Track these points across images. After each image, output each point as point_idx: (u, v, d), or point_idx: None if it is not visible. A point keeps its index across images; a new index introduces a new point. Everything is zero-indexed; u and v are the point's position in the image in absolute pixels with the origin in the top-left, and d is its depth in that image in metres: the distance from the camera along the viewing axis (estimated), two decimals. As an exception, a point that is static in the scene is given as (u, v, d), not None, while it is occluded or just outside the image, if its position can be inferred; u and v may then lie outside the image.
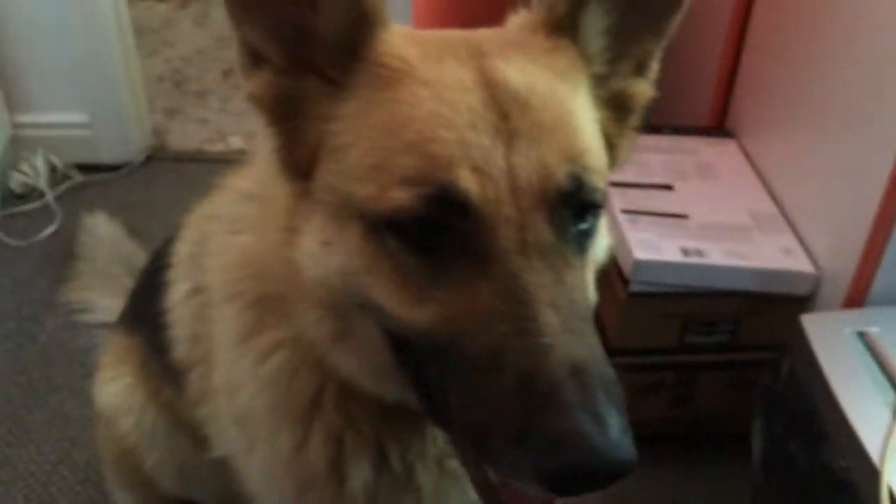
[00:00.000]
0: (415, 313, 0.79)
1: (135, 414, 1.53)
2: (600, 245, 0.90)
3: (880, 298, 1.61)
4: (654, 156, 2.04)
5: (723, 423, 1.91)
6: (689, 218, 1.85)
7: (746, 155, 2.08)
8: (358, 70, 0.82)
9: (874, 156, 1.57)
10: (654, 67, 0.97)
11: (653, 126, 2.23)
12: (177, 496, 1.68)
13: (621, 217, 1.82)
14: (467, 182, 0.75)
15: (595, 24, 0.89)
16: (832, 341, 1.49)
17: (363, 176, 0.79)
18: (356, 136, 0.81)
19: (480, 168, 0.75)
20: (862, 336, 1.50)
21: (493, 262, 0.75)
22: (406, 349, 0.85)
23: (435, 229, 0.77)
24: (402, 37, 0.85)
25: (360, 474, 1.02)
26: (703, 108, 2.28)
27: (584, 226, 0.82)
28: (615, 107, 0.92)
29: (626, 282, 1.75)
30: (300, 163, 0.86)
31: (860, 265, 1.61)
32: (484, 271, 0.76)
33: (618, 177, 1.96)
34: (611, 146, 0.91)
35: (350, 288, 0.83)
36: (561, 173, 0.78)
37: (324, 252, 0.84)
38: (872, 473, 1.25)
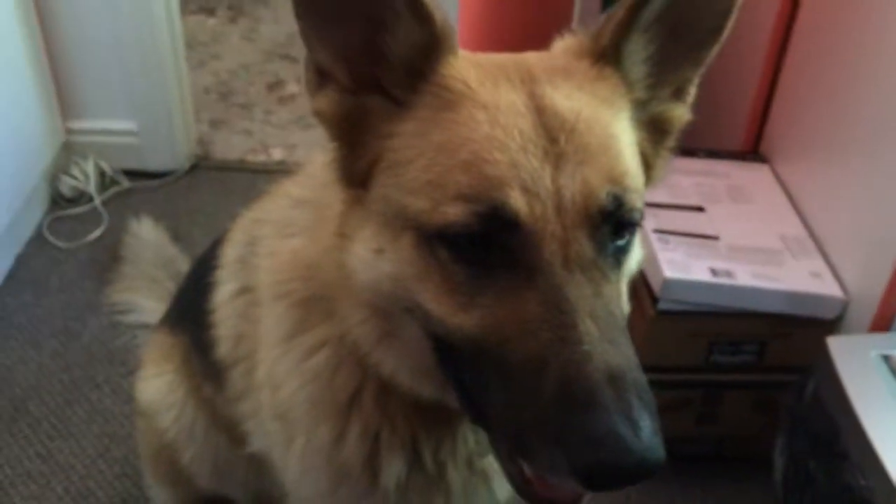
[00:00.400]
0: (461, 319, 0.84)
1: (175, 410, 1.59)
2: (634, 258, 0.95)
3: (905, 325, 1.63)
4: (688, 178, 2.07)
5: (747, 443, 1.92)
6: (720, 239, 1.88)
7: (779, 180, 2.10)
8: (421, 91, 0.88)
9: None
10: (692, 92, 1.02)
11: (687, 149, 2.27)
12: (212, 493, 1.73)
13: (653, 237, 1.85)
14: (517, 202, 0.81)
15: (637, 52, 0.94)
16: (857, 363, 1.51)
17: (419, 190, 0.85)
18: (415, 152, 0.87)
19: (529, 188, 0.81)
20: (887, 359, 1.52)
21: (538, 274, 0.81)
22: (450, 352, 0.90)
23: (484, 244, 0.82)
24: (463, 60, 0.90)
25: (393, 470, 1.06)
26: (738, 133, 2.31)
27: (621, 242, 0.88)
28: (653, 129, 0.97)
29: (655, 300, 1.79)
30: (358, 174, 0.92)
31: (887, 290, 1.63)
32: (529, 283, 0.81)
33: (651, 198, 1.98)
34: (647, 165, 0.97)
35: (400, 293, 0.89)
36: (603, 194, 0.83)
37: (376, 259, 0.89)
38: (892, 493, 1.27)
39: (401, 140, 0.88)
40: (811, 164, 2.03)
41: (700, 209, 1.97)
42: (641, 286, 1.83)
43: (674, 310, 1.78)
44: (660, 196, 2.00)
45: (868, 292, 1.70)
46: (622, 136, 0.90)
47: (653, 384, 1.95)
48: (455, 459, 1.09)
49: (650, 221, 1.90)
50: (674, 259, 1.78)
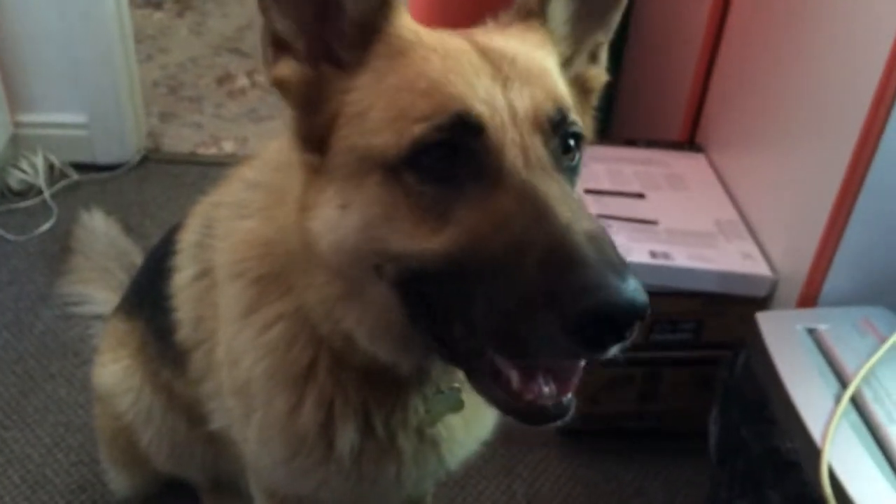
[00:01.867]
0: (435, 244, 0.88)
1: (132, 394, 1.62)
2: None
3: (830, 299, 1.73)
4: (629, 167, 2.17)
5: (686, 419, 2.02)
6: (659, 224, 1.97)
7: (714, 167, 2.21)
8: (374, 47, 0.95)
9: (826, 168, 1.70)
10: (604, 57, 1.15)
11: (629, 140, 2.37)
12: (170, 476, 1.77)
13: (594, 221, 1.94)
14: (480, 106, 0.88)
15: (560, 12, 1.06)
16: (784, 337, 1.61)
17: (383, 128, 0.91)
18: (374, 98, 0.93)
19: (486, 101, 0.89)
20: (812, 333, 1.62)
21: (504, 176, 0.87)
22: (422, 296, 0.93)
23: (450, 156, 0.88)
24: (409, 18, 0.98)
25: (346, 438, 1.12)
26: (676, 124, 2.42)
27: (571, 162, 0.95)
28: (578, 89, 1.07)
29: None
30: (317, 136, 0.97)
31: (812, 269, 1.74)
32: (497, 186, 0.87)
33: (594, 184, 2.09)
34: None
35: (367, 245, 0.92)
36: (548, 106, 0.92)
37: (341, 216, 0.94)
38: (815, 453, 1.37)
39: (358, 93, 0.94)
40: (743, 153, 2.14)
41: (641, 196, 2.07)
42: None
43: (615, 291, 1.86)
44: (603, 183, 2.09)
45: (795, 271, 1.80)
46: (555, 72, 1.01)
47: (596, 363, 2.04)
48: (405, 428, 1.15)
49: (593, 207, 1.98)
50: (616, 242, 1.86)
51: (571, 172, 0.96)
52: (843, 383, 1.50)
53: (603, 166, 2.16)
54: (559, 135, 0.93)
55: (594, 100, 1.11)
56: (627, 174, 2.14)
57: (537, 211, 0.84)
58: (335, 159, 0.96)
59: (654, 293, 1.86)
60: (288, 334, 1.10)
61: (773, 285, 1.86)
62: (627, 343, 0.84)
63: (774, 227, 1.93)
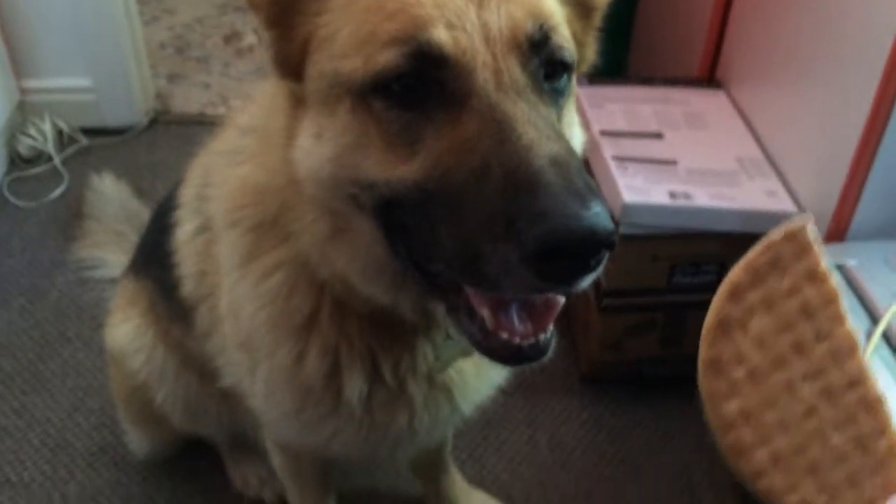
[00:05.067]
0: (404, 171, 0.85)
1: (144, 352, 1.61)
2: (576, 134, 0.98)
3: (858, 234, 1.67)
4: (646, 106, 2.09)
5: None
6: (678, 164, 1.90)
7: (735, 104, 2.13)
8: None
9: (852, 101, 1.63)
10: None
11: (646, 78, 2.29)
12: (187, 433, 1.76)
13: (612, 163, 1.88)
14: (442, 36, 0.83)
15: None
16: (811, 274, 1.55)
17: (351, 52, 0.87)
18: (344, 21, 0.89)
19: (455, 24, 0.83)
20: (840, 269, 1.56)
21: (472, 98, 0.83)
22: (400, 227, 0.90)
23: (418, 84, 0.84)
24: None
25: (354, 386, 1.09)
26: (695, 61, 2.33)
27: (557, 84, 0.90)
28: (576, 6, 1.00)
29: (616, 225, 1.81)
30: (293, 60, 0.93)
31: (840, 204, 1.67)
32: (464, 108, 0.83)
33: (609, 125, 2.02)
34: (579, 44, 0.99)
35: (341, 173, 0.90)
36: (528, 25, 0.86)
37: (315, 144, 0.91)
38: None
39: (330, 15, 0.90)
40: (765, 88, 2.05)
41: (658, 136, 2.00)
42: (602, 212, 1.85)
43: (635, 234, 1.81)
44: (619, 124, 2.02)
45: (821, 207, 1.74)
46: None
47: (618, 308, 2.00)
48: (415, 374, 1.11)
49: (609, 148, 1.92)
50: (633, 184, 1.81)
51: (557, 95, 0.90)
52: (874, 319, 1.44)
53: (619, 106, 2.08)
54: (540, 56, 0.87)
55: (597, 19, 1.04)
56: (645, 114, 2.07)
57: (500, 133, 0.80)
58: (309, 86, 0.93)
59: (675, 235, 1.84)
60: (288, 282, 1.07)
61: (799, 222, 1.80)
62: (595, 275, 0.79)
63: (799, 162, 1.86)
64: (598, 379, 2.05)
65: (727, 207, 1.79)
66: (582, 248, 0.73)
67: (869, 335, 1.41)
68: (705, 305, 1.94)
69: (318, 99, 0.91)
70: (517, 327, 0.86)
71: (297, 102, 0.95)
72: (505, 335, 0.86)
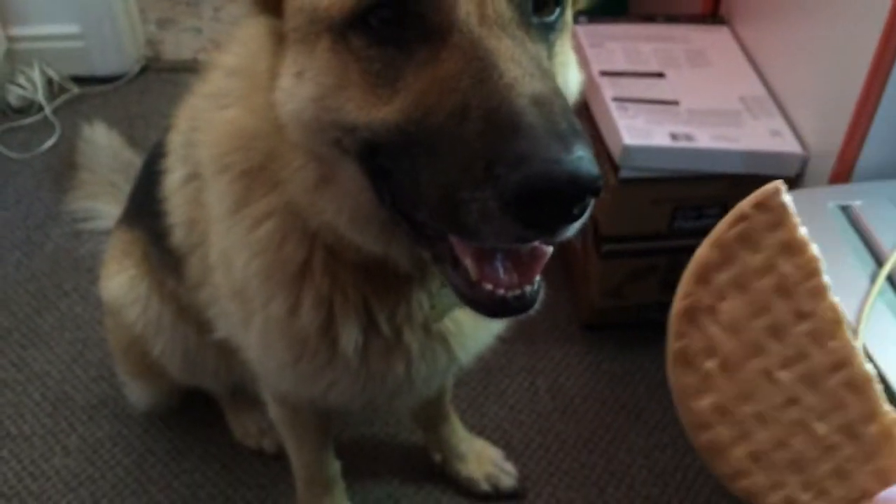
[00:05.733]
0: (386, 112, 0.81)
1: (140, 304, 1.59)
2: (571, 74, 0.93)
3: (865, 174, 1.63)
4: (647, 44, 2.03)
5: (713, 306, 1.96)
6: (680, 104, 1.85)
7: (738, 41, 2.07)
8: None
9: (858, 38, 1.57)
10: None
11: (647, 15, 2.22)
12: (185, 385, 1.75)
13: (612, 105, 1.83)
14: None
15: None
16: (816, 216, 1.52)
17: None
18: None
19: None
20: (845, 210, 1.53)
21: (453, 33, 0.78)
22: (384, 172, 0.87)
23: (397, 18, 0.80)
24: None
25: (350, 336, 1.07)
26: (697, -2, 2.26)
27: (547, 18, 0.85)
28: None
29: (616, 168, 1.78)
30: None
31: (845, 143, 1.63)
32: (445, 44, 0.78)
33: (609, 65, 1.96)
34: None
35: (323, 115, 0.86)
36: None
37: (296, 84, 0.87)
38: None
39: None
40: (770, 25, 1.99)
41: (660, 75, 1.94)
42: (603, 155, 1.81)
43: (636, 177, 1.77)
44: (619, 63, 1.96)
45: (827, 147, 1.69)
46: None
47: (618, 253, 1.97)
48: (411, 324, 1.09)
49: (609, 89, 1.87)
50: (633, 126, 1.76)
51: (547, 30, 0.85)
52: (880, 261, 1.41)
53: (619, 45, 2.02)
54: None
55: None
56: (646, 53, 2.01)
57: (481, 71, 0.75)
58: (289, 22, 0.88)
59: (677, 178, 1.81)
60: (279, 231, 1.04)
61: (804, 163, 1.76)
62: (580, 223, 0.75)
63: (804, 101, 1.81)
64: (599, 325, 2.04)
65: (730, 148, 1.75)
66: (563, 194, 0.69)
67: (873, 278, 1.39)
68: (707, 249, 1.93)
69: (297, 37, 0.87)
70: (502, 278, 0.83)
71: (279, 41, 0.91)
72: (489, 286, 0.83)
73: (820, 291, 0.58)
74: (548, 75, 0.79)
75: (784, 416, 0.57)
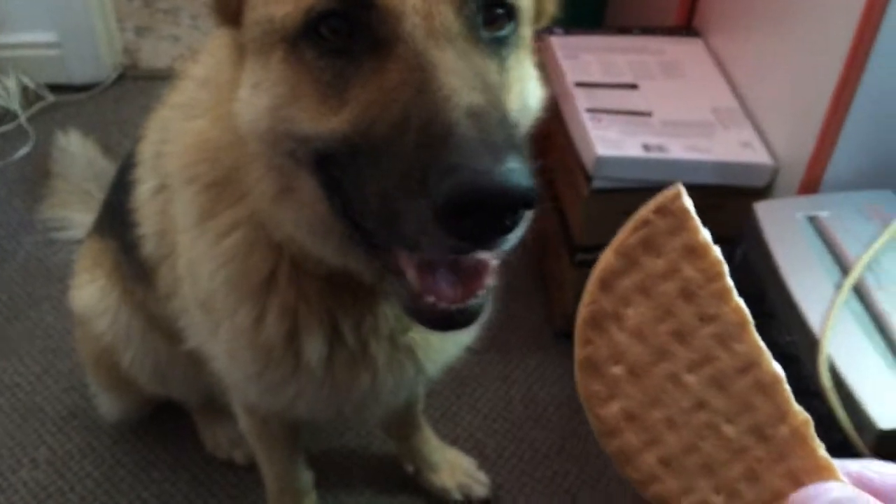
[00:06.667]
0: (335, 123, 0.82)
1: (110, 314, 1.58)
2: (529, 89, 0.93)
3: (833, 185, 1.65)
4: (621, 56, 2.05)
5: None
6: (653, 115, 1.87)
7: (711, 53, 2.09)
8: None
9: (827, 51, 1.60)
10: None
11: (622, 27, 2.24)
12: (156, 396, 1.74)
13: (586, 116, 1.84)
14: None
15: None
16: (784, 227, 1.53)
17: None
18: None
19: None
20: (812, 220, 1.54)
21: (399, 44, 0.79)
22: (337, 182, 0.87)
23: (346, 28, 0.81)
24: None
25: (315, 348, 1.07)
26: (672, 8, 2.28)
27: (498, 33, 0.85)
28: None
29: (589, 179, 1.78)
30: (230, 4, 0.90)
31: (814, 154, 1.64)
32: (391, 56, 0.79)
33: (584, 77, 1.97)
34: None
35: (278, 125, 0.87)
36: None
37: (253, 94, 0.88)
38: (814, 345, 1.31)
39: None
40: (742, 36, 2.01)
41: (634, 86, 1.96)
42: (576, 166, 1.82)
43: (608, 188, 1.78)
44: (593, 75, 1.98)
45: (796, 158, 1.71)
46: None
47: (591, 263, 1.97)
48: (377, 336, 1.09)
49: (583, 100, 1.88)
50: (606, 137, 1.77)
51: (499, 44, 0.85)
52: (845, 271, 1.43)
53: (594, 57, 2.04)
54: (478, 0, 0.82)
55: None
56: (620, 64, 2.02)
57: (422, 82, 0.76)
58: (247, 33, 0.89)
59: (649, 188, 1.81)
60: (245, 242, 1.04)
61: (774, 173, 1.77)
62: (516, 235, 0.75)
63: (775, 112, 1.83)
64: (573, 334, 2.04)
65: (701, 159, 1.76)
66: (492, 205, 0.70)
67: (839, 289, 1.40)
68: (680, 259, 1.93)
69: (255, 48, 0.88)
70: (445, 291, 0.83)
71: (240, 52, 0.92)
72: (432, 299, 0.83)
73: (724, 294, 0.57)
74: (491, 89, 0.79)
75: (693, 420, 0.56)
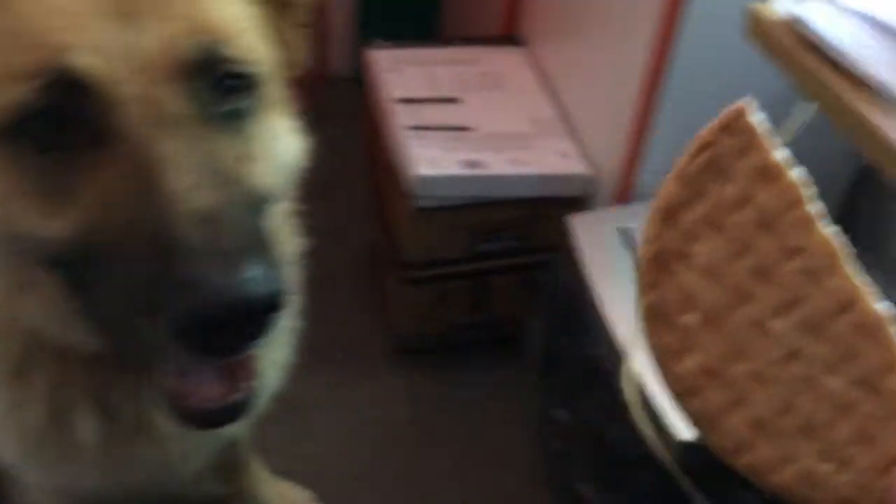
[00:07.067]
0: (58, 225, 0.75)
1: None
2: (283, 147, 0.88)
3: (648, 194, 1.70)
4: (443, 69, 2.05)
5: (520, 323, 1.99)
6: (474, 130, 1.87)
7: (534, 62, 2.12)
8: None
9: (632, 58, 1.63)
10: None
11: (445, 38, 2.24)
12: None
13: (406, 134, 1.82)
14: (82, 60, 0.71)
15: None
16: (596, 239, 1.57)
17: None
18: None
19: (98, 49, 0.72)
20: (624, 232, 1.58)
21: (121, 139, 0.72)
22: (79, 281, 0.80)
23: (61, 122, 0.73)
24: None
25: (87, 425, 0.99)
26: (496, 17, 2.30)
27: (240, 105, 0.80)
28: (273, 3, 0.90)
29: (413, 198, 1.77)
30: None
31: (625, 163, 1.69)
32: (113, 149, 0.72)
33: (406, 92, 1.96)
34: (284, 45, 0.90)
35: (1, 227, 0.79)
36: (188, 45, 0.75)
37: None
38: (620, 359, 1.35)
39: None
40: (560, 45, 2.05)
41: (456, 100, 1.96)
42: (400, 185, 1.81)
43: (432, 206, 1.78)
44: (416, 89, 1.97)
45: (612, 168, 1.76)
46: None
47: (422, 280, 1.96)
48: (157, 407, 1.03)
49: (405, 117, 1.87)
50: (426, 155, 1.77)
51: (236, 118, 0.80)
52: (652, 282, 1.47)
53: (418, 70, 2.03)
54: (208, 77, 0.77)
55: (300, 16, 0.94)
56: (442, 77, 2.02)
57: (145, 183, 0.70)
58: None
59: (473, 204, 1.83)
60: (1, 326, 0.96)
61: (592, 183, 1.82)
62: (267, 337, 0.71)
63: (592, 121, 1.87)
64: (412, 351, 2.04)
65: (521, 173, 1.78)
66: (231, 319, 0.66)
67: (647, 299, 1.44)
68: (510, 269, 1.96)
69: None
70: (205, 391, 0.79)
71: None
72: (190, 400, 0.79)
73: (807, 222, 0.49)
74: (227, 179, 0.74)
75: (785, 373, 0.48)
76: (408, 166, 1.76)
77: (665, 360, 0.50)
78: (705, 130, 0.50)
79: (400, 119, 1.85)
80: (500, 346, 2.05)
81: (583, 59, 1.93)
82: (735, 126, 0.50)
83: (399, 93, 1.93)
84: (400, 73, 2.00)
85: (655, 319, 0.51)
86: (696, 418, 0.50)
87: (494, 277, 1.94)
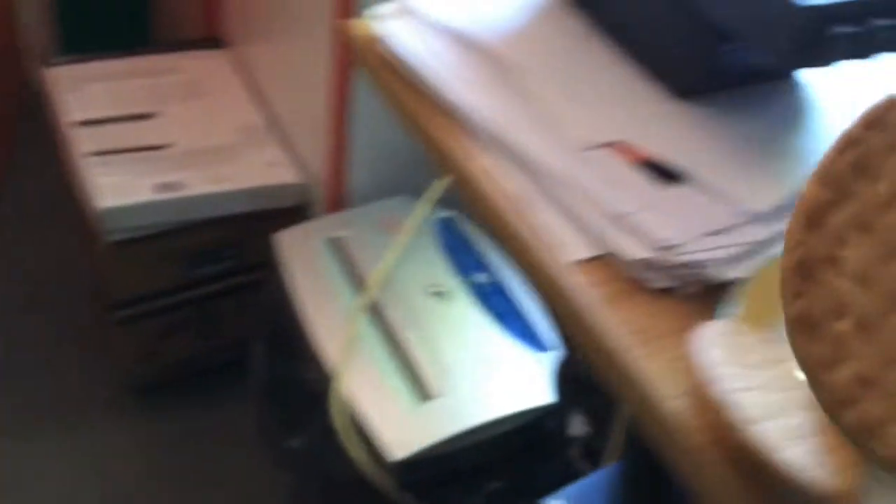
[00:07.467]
0: None
1: None
2: None
3: (362, 198, 1.63)
4: (134, 81, 1.87)
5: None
6: (171, 147, 1.72)
7: (238, 65, 1.98)
8: None
9: (322, 55, 1.55)
10: None
11: (137, 48, 2.05)
12: None
13: (88, 161, 1.64)
14: None
15: None
16: (303, 254, 1.48)
17: None
18: None
19: None
20: (335, 242, 1.51)
21: None
22: None
23: None
24: None
25: None
26: (198, 19, 2.14)
27: None
28: None
29: (104, 233, 1.60)
30: None
31: (331, 168, 1.61)
32: None
33: (89, 113, 1.77)
34: None
35: None
36: None
37: None
38: (327, 380, 1.28)
39: None
40: (264, 45, 1.92)
41: (149, 116, 1.79)
42: (89, 219, 1.63)
43: (126, 238, 1.61)
44: (101, 109, 1.78)
45: (324, 174, 1.67)
46: None
47: (138, 317, 1.80)
48: None
49: (86, 143, 1.68)
50: (111, 184, 1.60)
51: None
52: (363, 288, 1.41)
53: (103, 86, 1.83)
54: None
55: None
56: (133, 91, 1.84)
57: None
58: None
59: (178, 229, 1.68)
60: None
61: (306, 192, 1.72)
62: None
63: (301, 126, 1.77)
64: (142, 390, 1.87)
65: (224, 190, 1.66)
66: None
67: (353, 312, 1.38)
68: (235, 289, 1.84)
69: None
70: None
71: None
72: None
73: None
74: None
75: None
76: (92, 198, 1.58)
77: (817, 370, 0.48)
78: (851, 126, 0.48)
79: (81, 145, 1.67)
80: (236, 373, 1.93)
81: (286, 59, 1.83)
82: (884, 119, 0.48)
83: (80, 115, 1.74)
84: (81, 91, 1.80)
85: (803, 330, 0.49)
86: (853, 430, 0.48)
87: (221, 301, 1.81)
